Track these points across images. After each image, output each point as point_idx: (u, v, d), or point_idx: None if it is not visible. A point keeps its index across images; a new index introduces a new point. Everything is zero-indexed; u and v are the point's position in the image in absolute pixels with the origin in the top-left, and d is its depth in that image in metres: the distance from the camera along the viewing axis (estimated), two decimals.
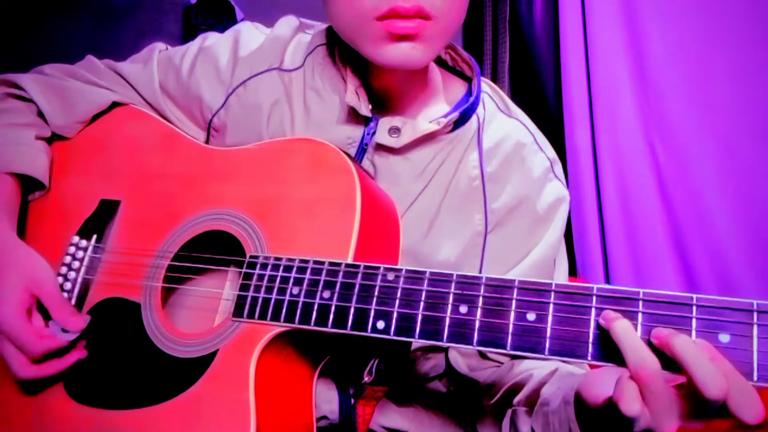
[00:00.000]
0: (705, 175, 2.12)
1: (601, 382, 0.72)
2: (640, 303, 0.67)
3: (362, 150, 1.04)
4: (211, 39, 1.16)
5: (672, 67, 2.18)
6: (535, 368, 1.00)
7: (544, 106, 2.54)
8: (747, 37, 2.08)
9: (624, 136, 2.24)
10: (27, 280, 0.98)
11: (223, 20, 2.61)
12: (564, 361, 0.98)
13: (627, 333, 0.66)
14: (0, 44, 2.44)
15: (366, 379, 1.03)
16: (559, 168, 1.15)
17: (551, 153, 1.15)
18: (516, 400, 0.96)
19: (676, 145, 2.18)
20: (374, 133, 1.02)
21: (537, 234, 1.09)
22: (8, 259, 0.99)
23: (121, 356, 0.96)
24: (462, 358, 1.09)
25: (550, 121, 2.48)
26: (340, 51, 1.06)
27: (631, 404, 0.64)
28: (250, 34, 1.15)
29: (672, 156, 2.18)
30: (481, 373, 1.08)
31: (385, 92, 1.05)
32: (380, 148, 1.03)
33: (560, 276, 1.13)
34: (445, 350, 1.12)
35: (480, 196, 1.06)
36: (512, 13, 2.66)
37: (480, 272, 1.07)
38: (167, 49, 1.21)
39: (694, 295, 0.65)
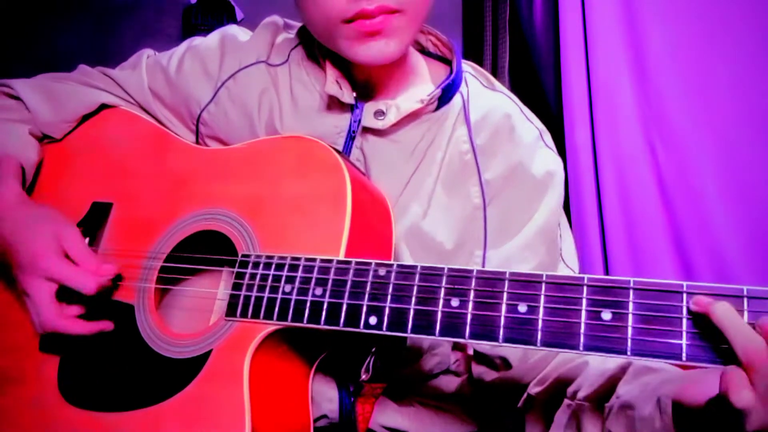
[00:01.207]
0: (705, 175, 2.11)
1: (702, 382, 0.71)
2: (631, 292, 0.67)
3: (351, 138, 1.05)
4: (198, 39, 1.19)
5: (672, 67, 2.18)
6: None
7: (544, 106, 2.53)
8: (747, 37, 2.07)
9: (624, 136, 2.24)
10: (55, 233, 0.98)
11: (223, 20, 2.61)
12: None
13: (729, 314, 0.63)
14: (1, 45, 2.46)
15: (363, 376, 1.03)
16: (548, 137, 1.15)
17: (539, 124, 1.16)
18: (572, 391, 0.93)
19: (676, 145, 2.17)
20: (361, 119, 1.04)
21: (536, 199, 1.09)
22: (34, 216, 1.00)
23: (116, 358, 0.96)
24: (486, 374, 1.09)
25: (550, 121, 2.46)
26: (319, 45, 1.07)
27: (741, 393, 0.61)
28: (236, 32, 1.17)
29: (672, 156, 2.17)
30: (509, 348, 1.05)
31: (367, 80, 1.07)
32: (367, 132, 1.04)
33: (567, 249, 1.12)
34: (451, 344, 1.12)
35: (473, 169, 1.07)
36: (512, 13, 2.66)
37: (484, 245, 1.07)
38: (155, 54, 1.23)
39: (685, 283, 0.65)
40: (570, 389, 0.93)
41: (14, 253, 0.97)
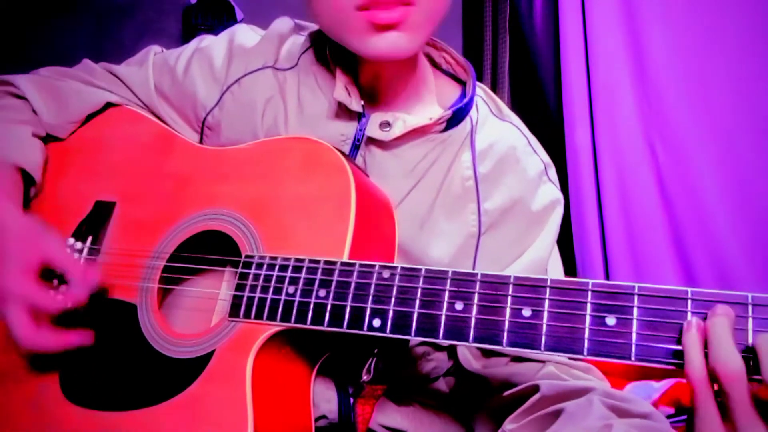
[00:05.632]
0: (705, 175, 2.12)
1: None
2: (636, 298, 0.67)
3: (355, 147, 1.04)
4: (207, 40, 1.17)
5: (672, 67, 2.18)
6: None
7: (544, 106, 2.54)
8: (747, 37, 2.08)
9: (624, 136, 2.25)
10: (33, 248, 0.96)
11: (223, 20, 2.61)
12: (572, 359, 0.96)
13: (723, 330, 0.62)
14: (1, 45, 2.46)
15: (364, 377, 1.03)
16: (553, 172, 1.14)
17: (545, 157, 1.14)
18: None
19: (676, 145, 2.18)
20: (365, 128, 1.02)
21: (531, 235, 1.08)
22: (14, 232, 0.98)
23: (118, 358, 0.96)
24: (475, 359, 1.07)
25: (550, 121, 2.48)
26: (331, 50, 1.06)
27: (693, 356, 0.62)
28: (245, 34, 1.16)
29: (672, 156, 2.18)
30: (497, 370, 1.05)
31: (375, 88, 1.05)
32: (371, 142, 1.03)
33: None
34: (447, 349, 1.11)
35: (473, 196, 1.06)
36: (512, 13, 2.66)
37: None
38: (163, 51, 1.22)
39: (689, 289, 0.65)
40: None
41: None
